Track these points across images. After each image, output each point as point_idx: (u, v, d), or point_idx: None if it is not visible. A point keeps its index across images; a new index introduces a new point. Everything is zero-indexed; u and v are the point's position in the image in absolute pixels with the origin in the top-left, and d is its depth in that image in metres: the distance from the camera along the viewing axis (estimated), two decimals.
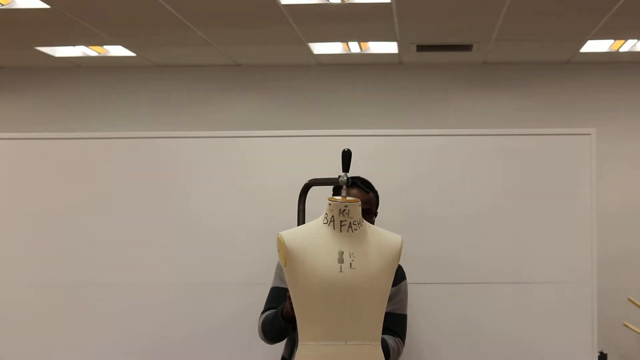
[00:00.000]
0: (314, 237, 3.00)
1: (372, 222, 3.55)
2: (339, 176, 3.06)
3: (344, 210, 3.01)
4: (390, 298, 3.30)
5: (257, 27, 6.56)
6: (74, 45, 7.44)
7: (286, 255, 2.97)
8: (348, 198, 3.04)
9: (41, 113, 8.34)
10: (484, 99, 8.03)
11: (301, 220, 3.49)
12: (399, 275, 3.54)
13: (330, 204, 3.04)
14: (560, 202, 4.06)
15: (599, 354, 4.26)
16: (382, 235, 3.10)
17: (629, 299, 6.81)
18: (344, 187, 3.05)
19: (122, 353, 4.12)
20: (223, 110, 8.20)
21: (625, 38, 7.00)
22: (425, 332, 4.06)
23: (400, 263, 3.22)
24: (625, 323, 6.81)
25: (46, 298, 4.15)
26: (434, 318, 3.90)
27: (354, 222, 3.02)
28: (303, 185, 3.51)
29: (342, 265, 2.95)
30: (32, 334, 4.16)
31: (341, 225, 3.01)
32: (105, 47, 7.48)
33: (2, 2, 5.81)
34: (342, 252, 2.97)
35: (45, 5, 5.84)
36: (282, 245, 2.99)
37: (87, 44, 7.33)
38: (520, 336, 4.03)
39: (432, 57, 7.72)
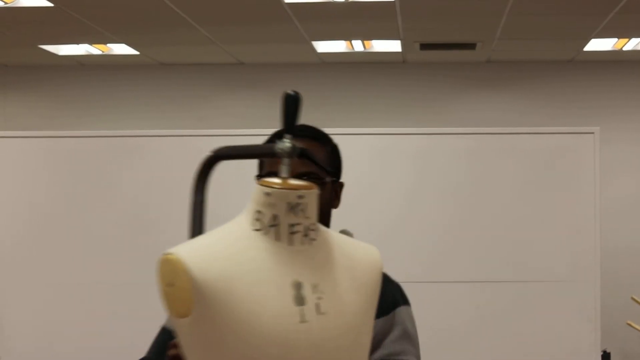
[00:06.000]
0: (244, 258, 1.55)
1: (334, 202, 2.21)
2: (277, 140, 1.61)
3: (297, 204, 1.58)
4: (379, 339, 2.10)
5: (260, 25, 6.56)
6: (78, 44, 7.44)
7: (192, 297, 1.48)
8: (296, 182, 1.60)
9: (45, 111, 8.35)
10: (487, 98, 8.02)
11: (198, 223, 1.93)
12: (391, 300, 2.17)
13: (268, 194, 1.58)
14: (564, 200, 4.06)
15: (602, 353, 4.25)
16: (350, 248, 1.69)
17: (633, 298, 6.80)
18: (286, 160, 1.59)
19: (125, 352, 4.13)
20: (226, 108, 8.20)
21: (629, 37, 7.00)
22: (427, 331, 4.06)
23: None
24: (629, 322, 6.80)
25: (48, 297, 4.15)
26: (437, 317, 3.90)
27: (311, 227, 1.60)
28: (204, 158, 1.95)
29: (304, 308, 1.54)
30: (34, 333, 4.17)
31: (291, 234, 1.58)
32: (108, 45, 7.48)
33: (5, 1, 5.81)
34: (300, 285, 1.56)
35: (49, 4, 5.85)
36: (179, 277, 1.50)
37: (91, 42, 7.34)
38: (524, 335, 4.03)
39: (435, 56, 7.72)
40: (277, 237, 1.58)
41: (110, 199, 4.18)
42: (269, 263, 1.56)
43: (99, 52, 7.69)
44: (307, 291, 1.56)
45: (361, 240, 1.67)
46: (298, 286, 1.56)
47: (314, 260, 1.60)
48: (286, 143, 1.59)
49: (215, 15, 6.20)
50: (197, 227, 1.93)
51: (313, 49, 7.43)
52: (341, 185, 2.24)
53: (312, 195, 1.60)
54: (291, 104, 1.64)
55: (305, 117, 7.61)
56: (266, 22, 6.43)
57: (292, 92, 1.64)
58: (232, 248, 1.57)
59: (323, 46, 7.42)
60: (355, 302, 1.64)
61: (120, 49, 7.55)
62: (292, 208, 1.59)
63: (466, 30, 6.76)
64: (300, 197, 1.59)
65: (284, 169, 1.59)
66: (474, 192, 4.08)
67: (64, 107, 8.32)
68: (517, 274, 4.04)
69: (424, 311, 4.03)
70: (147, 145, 4.22)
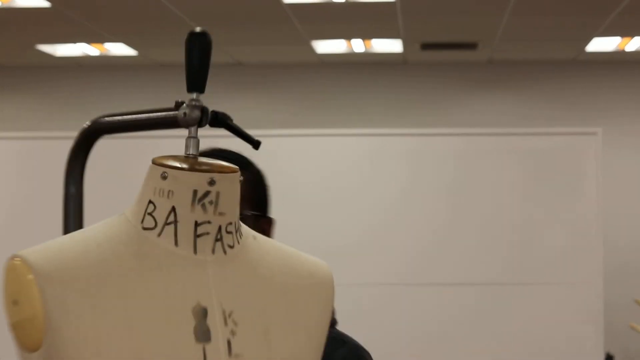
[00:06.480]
0: (124, 269, 1.08)
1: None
2: (180, 102, 1.25)
3: (206, 194, 1.12)
4: None
5: (260, 25, 6.53)
6: (75, 43, 7.42)
7: (43, 322, 1.03)
8: (207, 160, 1.18)
9: (42, 112, 8.32)
10: (489, 98, 7.99)
11: (78, 221, 1.53)
12: None
13: (165, 177, 1.17)
14: (566, 202, 4.03)
15: (605, 356, 4.22)
16: (288, 261, 1.20)
17: (636, 301, 6.77)
18: (193, 129, 1.20)
19: None
20: (225, 109, 8.07)
21: (632, 36, 6.97)
22: (430, 332, 4.03)
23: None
24: (632, 324, 6.77)
25: None
26: (439, 319, 3.86)
27: (227, 228, 1.13)
28: (79, 132, 1.56)
29: (209, 347, 1.07)
30: None
31: (197, 236, 1.11)
32: (106, 45, 7.46)
33: (2, 1, 5.79)
34: (205, 311, 1.08)
35: (45, 4, 5.82)
36: (26, 292, 1.04)
37: (88, 42, 7.32)
38: (526, 337, 4.00)
39: (436, 56, 7.69)
40: (176, 241, 1.10)
41: (108, 201, 4.14)
42: (160, 278, 1.06)
43: (97, 53, 7.67)
44: (215, 321, 1.08)
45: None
46: (202, 313, 1.07)
47: (229, 277, 1.10)
48: (193, 105, 1.15)
49: (214, 15, 6.17)
50: (72, 222, 1.45)
51: (313, 50, 7.40)
52: (270, 222, 1.67)
53: (229, 182, 1.11)
54: (198, 48, 1.13)
55: (305, 118, 7.59)
56: (265, 23, 6.40)
57: (199, 30, 1.13)
58: (107, 254, 1.07)
59: (323, 46, 7.40)
60: (289, 339, 1.13)
61: (118, 49, 7.53)
62: (199, 199, 1.10)
63: (467, 30, 6.74)
64: (211, 182, 1.10)
65: (190, 143, 1.15)
66: (476, 193, 4.05)
67: (61, 108, 8.29)
68: (519, 276, 4.01)
69: (424, 314, 4.01)
70: (145, 147, 4.18)
